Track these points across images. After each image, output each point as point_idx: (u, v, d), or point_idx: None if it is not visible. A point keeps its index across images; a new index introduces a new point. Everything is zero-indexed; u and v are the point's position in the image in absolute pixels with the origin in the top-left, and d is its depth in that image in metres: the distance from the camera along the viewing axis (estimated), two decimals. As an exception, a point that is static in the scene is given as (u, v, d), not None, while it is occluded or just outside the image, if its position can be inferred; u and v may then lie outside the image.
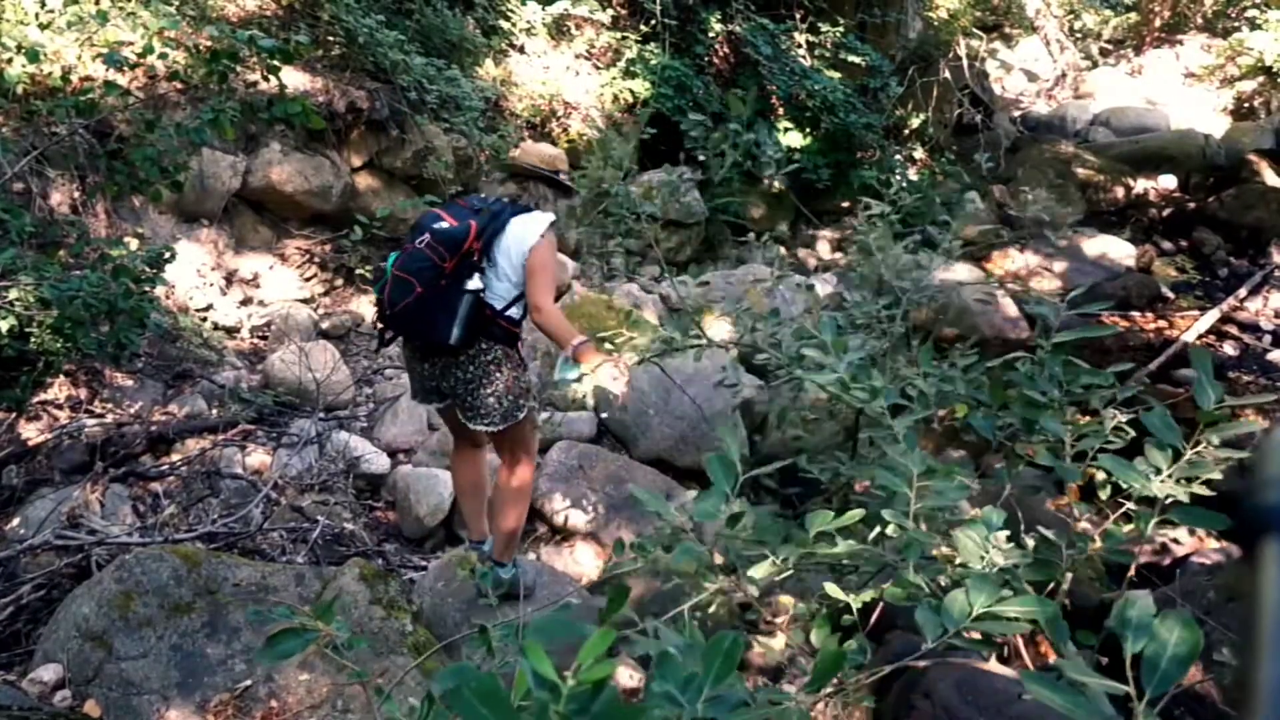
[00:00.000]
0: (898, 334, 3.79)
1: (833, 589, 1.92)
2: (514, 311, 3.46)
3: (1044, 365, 2.35)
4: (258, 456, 5.05)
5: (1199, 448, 1.90)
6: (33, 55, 4.49)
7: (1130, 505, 1.98)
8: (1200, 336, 8.31)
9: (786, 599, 2.15)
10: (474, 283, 3.38)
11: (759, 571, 1.84)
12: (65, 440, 4.71)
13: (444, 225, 3.39)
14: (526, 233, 3.41)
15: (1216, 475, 1.88)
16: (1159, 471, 1.87)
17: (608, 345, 3.70)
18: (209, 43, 4.56)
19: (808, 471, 3.94)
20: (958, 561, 1.84)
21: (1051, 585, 2.06)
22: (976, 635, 1.57)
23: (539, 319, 3.39)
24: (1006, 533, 1.84)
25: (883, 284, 4.02)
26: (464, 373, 3.49)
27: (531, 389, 3.67)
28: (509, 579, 3.77)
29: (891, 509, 1.92)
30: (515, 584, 3.82)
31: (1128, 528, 1.98)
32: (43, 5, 5.29)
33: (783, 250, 9.98)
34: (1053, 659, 1.99)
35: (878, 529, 2.01)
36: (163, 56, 4.56)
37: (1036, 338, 2.45)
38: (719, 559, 1.97)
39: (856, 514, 1.82)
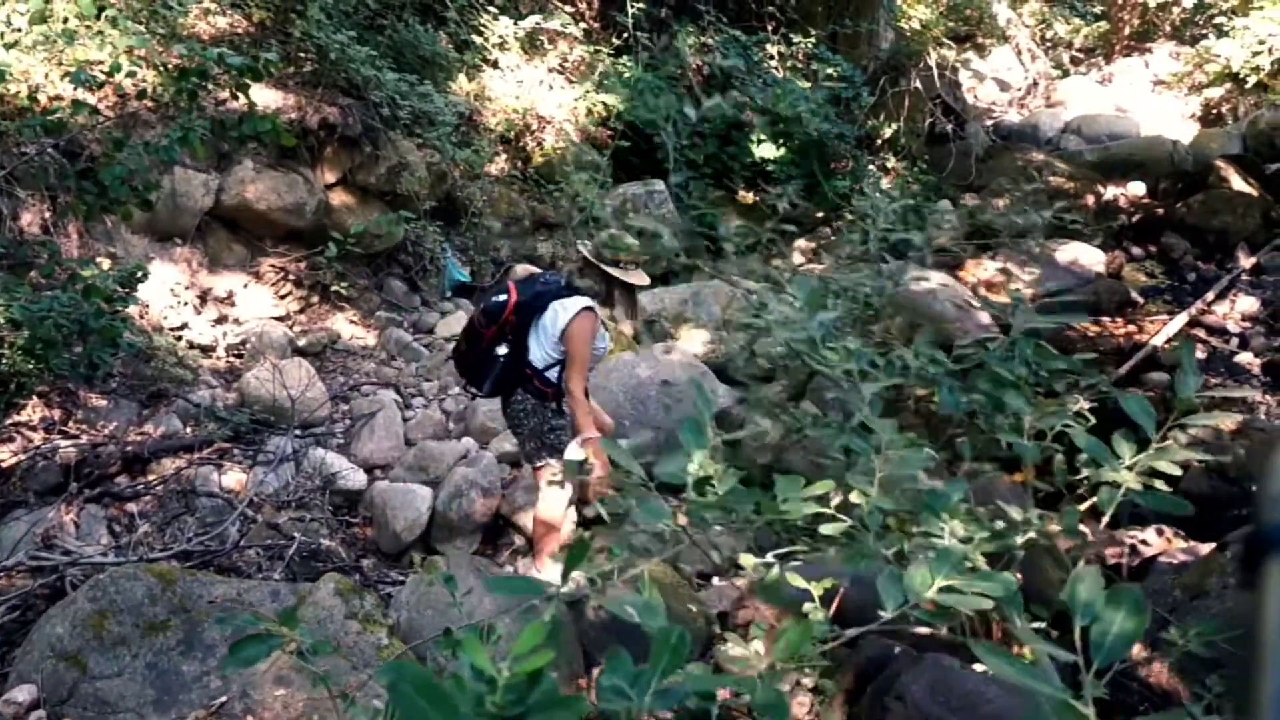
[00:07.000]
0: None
1: (796, 579, 1.94)
2: (551, 374, 4.04)
3: (1015, 346, 2.35)
4: (233, 475, 5.04)
5: (1165, 444, 1.93)
6: None
7: (1093, 500, 2.01)
8: (1169, 340, 8.40)
9: (748, 558, 2.12)
10: (503, 349, 4.07)
11: (746, 561, 1.85)
12: (39, 461, 4.69)
13: (497, 299, 4.12)
14: (559, 315, 4.02)
15: (1177, 471, 1.91)
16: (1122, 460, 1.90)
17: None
18: (178, 61, 4.56)
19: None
20: (918, 530, 1.85)
21: (1006, 559, 2.07)
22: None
23: (567, 400, 4.02)
24: (967, 504, 1.86)
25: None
26: (507, 417, 4.24)
27: (559, 446, 4.09)
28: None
29: (855, 475, 1.92)
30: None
31: (1084, 505, 2.00)
32: (8, 24, 5.27)
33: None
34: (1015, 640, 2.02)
35: (840, 495, 2.00)
36: (131, 75, 4.56)
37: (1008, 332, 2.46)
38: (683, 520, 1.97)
39: (828, 485, 1.85)
